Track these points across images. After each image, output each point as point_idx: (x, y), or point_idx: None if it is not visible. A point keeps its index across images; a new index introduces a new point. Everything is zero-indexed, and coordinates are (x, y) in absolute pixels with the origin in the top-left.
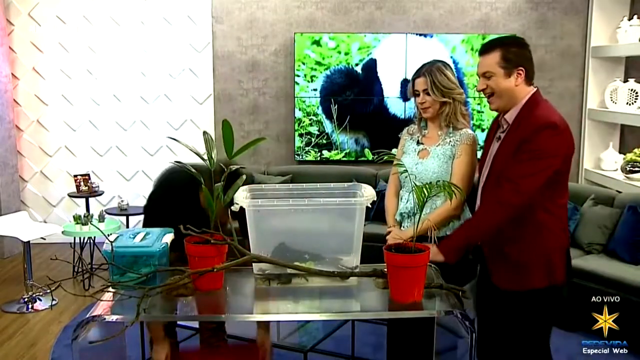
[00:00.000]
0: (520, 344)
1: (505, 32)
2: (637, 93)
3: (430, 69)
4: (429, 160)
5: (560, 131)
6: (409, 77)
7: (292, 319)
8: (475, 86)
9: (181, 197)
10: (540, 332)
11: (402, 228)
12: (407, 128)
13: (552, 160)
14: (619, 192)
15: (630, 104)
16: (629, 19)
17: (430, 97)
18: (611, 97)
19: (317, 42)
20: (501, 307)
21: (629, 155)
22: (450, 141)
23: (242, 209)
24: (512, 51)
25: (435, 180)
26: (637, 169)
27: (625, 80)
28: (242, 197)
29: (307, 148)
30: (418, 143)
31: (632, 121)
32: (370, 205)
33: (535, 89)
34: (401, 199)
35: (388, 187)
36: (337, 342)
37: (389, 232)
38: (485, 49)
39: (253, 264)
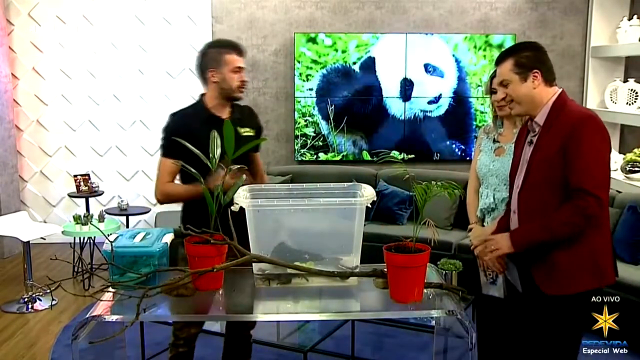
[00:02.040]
0: (559, 348)
1: (505, 32)
2: (637, 93)
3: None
4: (505, 157)
5: (600, 121)
6: (409, 77)
7: (292, 319)
8: (480, 85)
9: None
10: (577, 335)
11: (484, 224)
12: (482, 128)
13: (605, 153)
14: (619, 192)
15: (630, 104)
16: (629, 19)
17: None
18: (611, 97)
19: (313, 40)
20: (546, 313)
21: (629, 155)
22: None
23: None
24: (524, 56)
25: None
26: (637, 169)
27: (625, 80)
28: (242, 196)
29: (302, 150)
30: (494, 141)
31: (632, 121)
32: (370, 205)
33: (560, 90)
34: (481, 195)
35: (468, 184)
36: (337, 342)
37: (471, 229)
38: (499, 60)
39: (253, 264)
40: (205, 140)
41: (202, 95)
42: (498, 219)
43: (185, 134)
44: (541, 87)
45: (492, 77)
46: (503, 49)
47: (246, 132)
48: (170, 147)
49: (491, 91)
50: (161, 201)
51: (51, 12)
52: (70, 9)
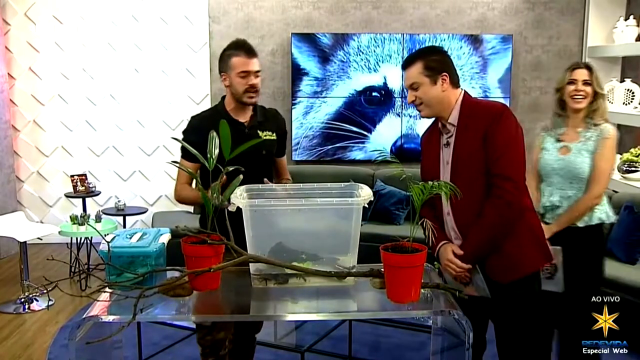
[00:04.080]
0: (528, 334)
1: (501, 32)
2: (633, 93)
3: (590, 64)
4: (571, 156)
5: (512, 113)
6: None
7: (289, 319)
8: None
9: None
10: (543, 319)
11: (544, 221)
12: (540, 125)
13: (521, 141)
14: (616, 191)
15: (626, 104)
16: (625, 19)
17: (589, 88)
18: (608, 97)
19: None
20: (505, 301)
21: (626, 155)
22: (591, 136)
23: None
24: (432, 59)
25: (579, 175)
26: (633, 168)
27: (622, 80)
28: (239, 196)
29: (299, 150)
30: (557, 140)
31: (629, 121)
32: (367, 205)
33: (463, 90)
34: (543, 193)
35: (529, 181)
36: (334, 342)
37: None
38: (407, 63)
39: (250, 264)
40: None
41: (223, 97)
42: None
43: (201, 137)
44: (449, 89)
45: (573, 69)
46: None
47: (267, 135)
48: (186, 149)
49: (568, 82)
50: (178, 201)
51: (47, 11)
52: (67, 8)
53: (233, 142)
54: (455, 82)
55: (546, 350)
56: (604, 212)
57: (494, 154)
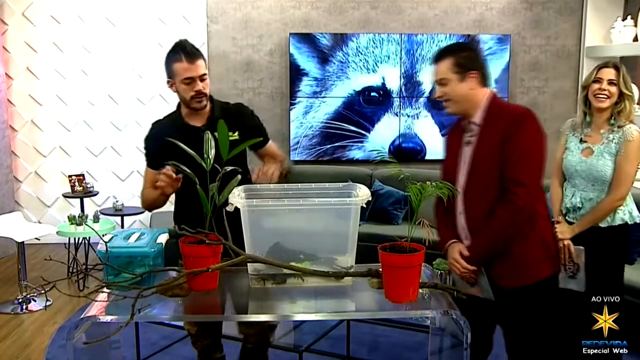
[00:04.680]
0: (532, 340)
1: (500, 32)
2: None
3: (619, 64)
4: (593, 159)
5: (537, 119)
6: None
7: (287, 319)
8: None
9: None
10: (545, 326)
11: (567, 220)
12: (568, 121)
13: (542, 148)
14: None
15: None
16: (623, 20)
17: (615, 88)
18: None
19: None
20: (508, 307)
21: None
22: (613, 139)
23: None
24: (463, 56)
25: (601, 178)
26: None
27: None
28: (237, 196)
29: (297, 150)
30: (581, 141)
31: None
32: (365, 205)
33: (492, 91)
34: (565, 193)
35: (553, 179)
36: (332, 342)
37: (557, 222)
38: (437, 58)
39: (248, 264)
40: (179, 150)
41: (179, 103)
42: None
43: (160, 144)
44: (477, 88)
45: (600, 67)
46: (441, 47)
47: (231, 136)
48: (148, 157)
49: (593, 81)
50: (145, 208)
51: (45, 11)
52: (65, 8)
53: (191, 148)
54: (484, 81)
55: (554, 356)
56: (627, 213)
57: (510, 158)
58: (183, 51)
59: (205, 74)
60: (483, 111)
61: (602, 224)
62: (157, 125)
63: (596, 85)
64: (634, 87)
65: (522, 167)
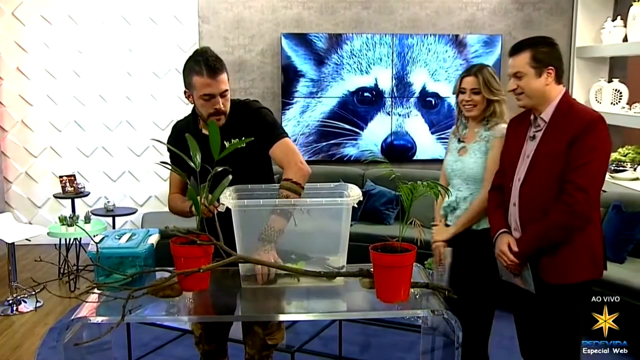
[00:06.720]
0: (562, 339)
1: (491, 32)
2: (621, 93)
3: (481, 69)
4: (466, 157)
5: (607, 126)
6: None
7: (279, 319)
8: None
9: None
10: (578, 326)
11: (447, 222)
12: (453, 128)
13: (608, 156)
14: (604, 191)
15: (614, 104)
16: (613, 20)
17: (478, 97)
18: (596, 97)
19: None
20: (548, 301)
21: (614, 155)
22: (485, 136)
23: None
24: (541, 51)
25: (473, 176)
26: (621, 168)
27: (610, 81)
28: (228, 197)
29: None
30: (459, 141)
31: (617, 121)
32: (356, 205)
33: (565, 89)
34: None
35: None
36: (324, 342)
37: (434, 225)
38: (515, 50)
39: (239, 264)
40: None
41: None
42: (461, 217)
43: (180, 146)
44: (552, 84)
45: (463, 77)
46: (519, 40)
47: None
48: (171, 159)
49: (460, 91)
50: (172, 213)
51: (35, 11)
52: (55, 8)
53: (203, 154)
54: (559, 78)
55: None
56: None
57: (575, 161)
58: (205, 64)
59: (226, 90)
60: (553, 108)
61: (481, 227)
62: (175, 128)
63: (462, 96)
64: (623, 86)
65: (586, 171)
